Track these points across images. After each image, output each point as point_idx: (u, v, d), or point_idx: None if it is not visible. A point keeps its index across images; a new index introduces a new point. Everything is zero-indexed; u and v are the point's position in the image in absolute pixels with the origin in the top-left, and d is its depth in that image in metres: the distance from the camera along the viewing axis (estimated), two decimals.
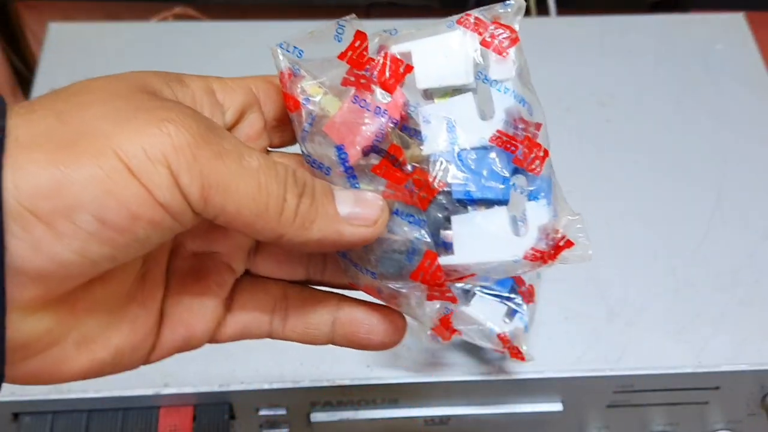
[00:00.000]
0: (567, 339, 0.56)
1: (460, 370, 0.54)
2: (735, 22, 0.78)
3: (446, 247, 0.31)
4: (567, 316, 0.57)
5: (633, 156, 0.64)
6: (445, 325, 0.37)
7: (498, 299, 0.52)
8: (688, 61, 0.74)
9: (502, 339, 0.50)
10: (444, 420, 0.56)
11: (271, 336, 0.33)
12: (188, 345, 0.32)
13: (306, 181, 0.28)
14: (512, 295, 0.53)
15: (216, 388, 0.53)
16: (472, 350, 0.55)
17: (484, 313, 0.51)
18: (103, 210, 0.23)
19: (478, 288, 0.52)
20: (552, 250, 0.33)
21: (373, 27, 0.74)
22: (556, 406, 0.56)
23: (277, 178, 0.26)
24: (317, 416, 0.55)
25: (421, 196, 0.31)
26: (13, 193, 0.22)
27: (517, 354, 0.51)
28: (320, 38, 0.32)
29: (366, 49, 0.32)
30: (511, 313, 0.52)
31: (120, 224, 0.24)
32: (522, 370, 0.54)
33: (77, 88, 0.26)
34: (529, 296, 0.54)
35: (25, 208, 0.23)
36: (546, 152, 0.33)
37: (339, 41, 0.32)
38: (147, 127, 0.24)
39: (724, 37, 0.76)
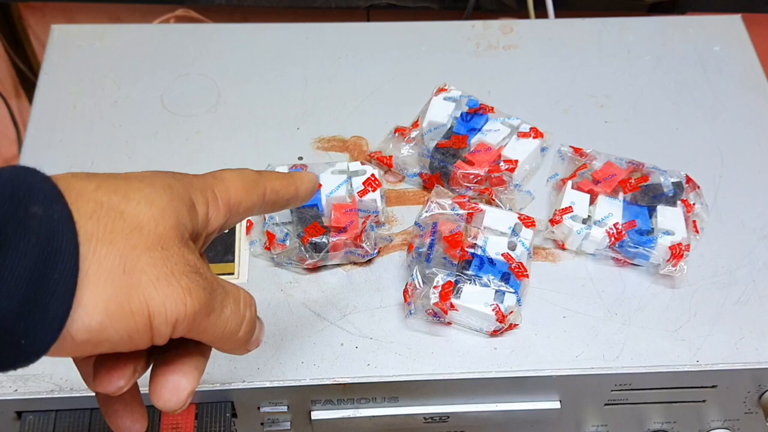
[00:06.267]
0: (565, 337, 0.56)
1: (460, 368, 0.55)
2: (732, 23, 0.78)
3: None
4: (565, 315, 0.57)
5: (631, 157, 0.64)
6: (444, 298, 0.54)
7: (488, 287, 0.56)
8: (686, 62, 0.75)
9: (496, 311, 0.54)
10: (443, 417, 0.57)
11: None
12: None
13: (254, 324, 0.39)
14: (502, 283, 0.56)
15: (218, 387, 0.53)
16: (471, 348, 0.56)
17: (475, 300, 0.55)
18: (118, 345, 0.32)
19: (469, 280, 0.56)
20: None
21: (373, 28, 0.76)
22: (554, 404, 0.56)
23: (237, 321, 0.37)
24: (318, 414, 0.56)
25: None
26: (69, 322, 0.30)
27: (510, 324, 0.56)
28: None
29: None
30: (500, 294, 0.55)
31: (122, 348, 0.33)
32: (521, 368, 0.55)
33: (139, 219, 0.33)
34: (520, 273, 0.56)
35: (68, 331, 0.30)
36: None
37: None
38: (174, 295, 0.33)
39: (722, 38, 0.77)
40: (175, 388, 0.36)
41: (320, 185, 0.60)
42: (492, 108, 0.66)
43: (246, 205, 0.40)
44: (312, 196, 0.45)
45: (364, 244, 0.58)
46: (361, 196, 0.60)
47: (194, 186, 0.37)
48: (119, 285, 0.31)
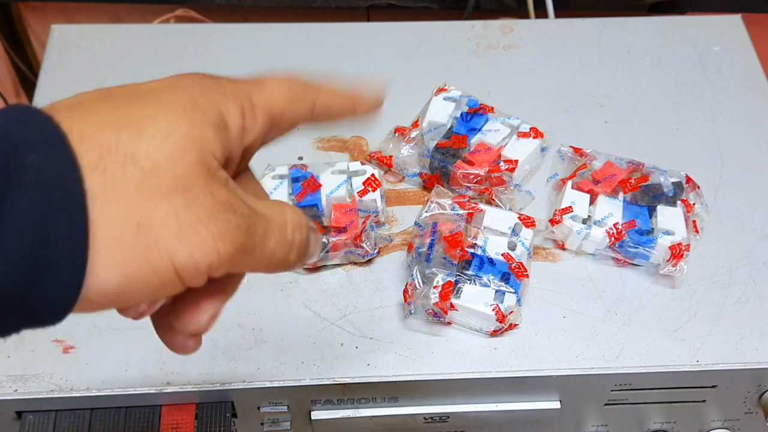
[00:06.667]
0: (565, 337, 0.56)
1: (460, 368, 0.55)
2: (732, 23, 0.78)
3: None
4: (565, 315, 0.57)
5: (631, 157, 0.64)
6: (444, 298, 0.54)
7: (488, 287, 0.56)
8: (686, 62, 0.75)
9: (496, 311, 0.54)
10: (443, 417, 0.57)
11: None
12: None
13: (305, 246, 0.35)
14: (502, 283, 0.56)
15: (218, 387, 0.53)
16: (471, 348, 0.56)
17: (475, 300, 0.55)
18: (146, 298, 0.30)
19: (469, 280, 0.56)
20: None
21: (373, 28, 0.76)
22: (554, 404, 0.56)
23: (284, 250, 0.33)
24: (318, 414, 0.56)
25: None
26: (85, 289, 0.28)
27: (510, 325, 0.56)
28: None
29: None
30: (500, 294, 0.55)
31: (153, 298, 0.31)
32: (521, 368, 0.55)
33: (155, 160, 0.29)
34: (520, 273, 0.56)
35: (85, 297, 0.28)
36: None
37: None
38: (202, 244, 0.29)
39: (722, 38, 0.77)
40: (196, 312, 0.33)
41: (320, 185, 0.60)
42: (492, 108, 0.66)
43: (290, 117, 0.36)
44: (374, 114, 0.39)
45: (364, 244, 0.58)
46: (361, 196, 0.60)
47: (227, 94, 0.33)
48: (134, 245, 0.28)
